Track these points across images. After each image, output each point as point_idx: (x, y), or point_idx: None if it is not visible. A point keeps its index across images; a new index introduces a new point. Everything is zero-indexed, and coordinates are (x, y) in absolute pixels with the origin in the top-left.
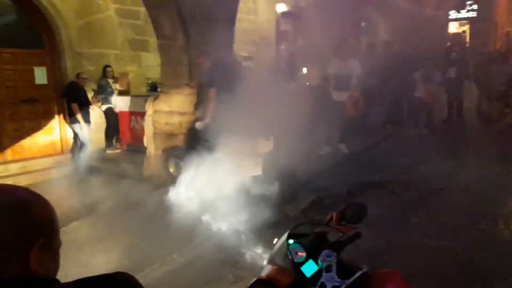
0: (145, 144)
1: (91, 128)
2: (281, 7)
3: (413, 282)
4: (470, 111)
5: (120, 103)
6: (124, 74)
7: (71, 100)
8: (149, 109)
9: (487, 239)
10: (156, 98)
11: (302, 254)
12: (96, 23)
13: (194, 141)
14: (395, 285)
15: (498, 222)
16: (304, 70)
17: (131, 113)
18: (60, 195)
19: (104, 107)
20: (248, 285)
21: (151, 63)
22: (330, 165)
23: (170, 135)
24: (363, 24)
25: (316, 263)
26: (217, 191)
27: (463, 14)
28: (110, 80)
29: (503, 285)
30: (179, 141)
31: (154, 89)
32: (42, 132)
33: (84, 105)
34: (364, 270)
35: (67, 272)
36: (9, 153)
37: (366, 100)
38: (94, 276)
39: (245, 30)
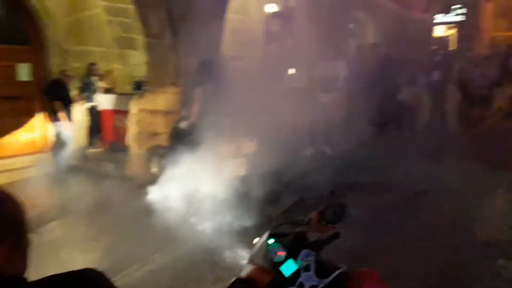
0: (128, 143)
1: (74, 126)
2: (271, 8)
3: (391, 282)
4: (453, 114)
5: (104, 101)
6: (109, 72)
7: (54, 97)
8: (134, 107)
9: (467, 241)
10: (141, 96)
11: (282, 254)
12: (84, 20)
13: (178, 140)
14: (372, 284)
15: (478, 224)
16: (292, 71)
17: (114, 111)
18: (39, 194)
19: (88, 105)
20: (228, 285)
21: (138, 61)
22: (314, 167)
23: (154, 134)
24: (351, 26)
25: (296, 262)
26: (200, 192)
27: (450, 17)
28: (95, 78)
29: (479, 285)
30: (163, 140)
31: (139, 87)
32: (23, 130)
33: (67, 103)
34: (342, 269)
35: (45, 273)
36: None
37: (351, 102)
38: (62, 273)
39: (233, 30)
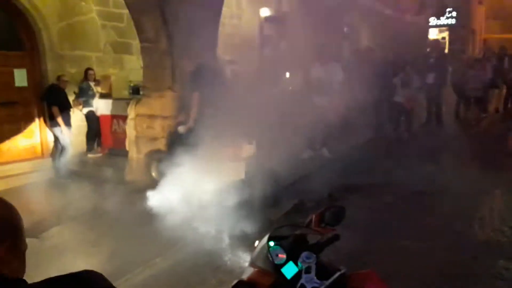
0: (127, 148)
1: (72, 132)
2: (265, 12)
3: (391, 283)
4: (449, 116)
5: (101, 106)
6: (106, 77)
7: (52, 103)
8: (131, 112)
9: (466, 241)
10: (138, 101)
11: (283, 256)
12: (78, 25)
13: (177, 145)
14: (373, 285)
15: (475, 224)
16: (287, 74)
17: (113, 116)
18: (39, 200)
19: (86, 110)
20: (230, 287)
21: (134, 66)
22: (313, 169)
23: (152, 139)
24: (345, 29)
25: (296, 264)
26: (200, 196)
27: (443, 21)
28: (92, 83)
29: (479, 285)
30: (162, 145)
31: (136, 92)
32: (22, 136)
33: (65, 108)
34: (342, 271)
35: (47, 277)
36: None
37: (347, 105)
38: (62, 275)
39: (228, 34)
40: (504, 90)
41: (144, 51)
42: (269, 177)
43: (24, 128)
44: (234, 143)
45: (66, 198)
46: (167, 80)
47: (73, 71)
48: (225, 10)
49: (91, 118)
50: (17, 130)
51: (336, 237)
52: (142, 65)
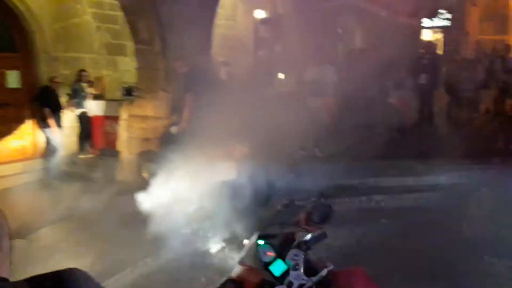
0: (119, 148)
1: (63, 133)
2: (260, 14)
3: (381, 281)
4: (440, 116)
5: (94, 108)
6: (99, 79)
7: (43, 104)
8: (124, 113)
9: (454, 239)
10: (131, 102)
11: (271, 254)
12: (72, 27)
13: (169, 146)
14: (360, 282)
15: (464, 222)
16: (281, 76)
17: (105, 117)
18: (30, 200)
19: (78, 111)
20: (219, 285)
21: (128, 67)
22: (304, 169)
23: (145, 140)
24: (339, 31)
25: (285, 262)
26: (191, 196)
27: (436, 22)
28: (85, 85)
29: (467, 282)
30: (154, 145)
31: (128, 93)
32: (13, 137)
33: (57, 110)
34: (330, 268)
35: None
36: None
37: (340, 106)
38: (46, 272)
39: (223, 36)
40: (496, 91)
41: (138, 52)
42: (261, 177)
43: (16, 129)
44: (226, 144)
45: (56, 199)
46: (161, 81)
47: (66, 72)
48: (220, 11)
49: (84, 119)
50: (8, 131)
51: (323, 235)
52: (135, 67)
